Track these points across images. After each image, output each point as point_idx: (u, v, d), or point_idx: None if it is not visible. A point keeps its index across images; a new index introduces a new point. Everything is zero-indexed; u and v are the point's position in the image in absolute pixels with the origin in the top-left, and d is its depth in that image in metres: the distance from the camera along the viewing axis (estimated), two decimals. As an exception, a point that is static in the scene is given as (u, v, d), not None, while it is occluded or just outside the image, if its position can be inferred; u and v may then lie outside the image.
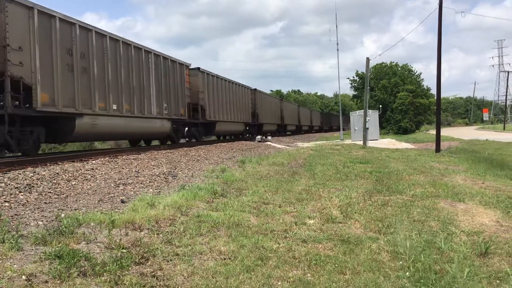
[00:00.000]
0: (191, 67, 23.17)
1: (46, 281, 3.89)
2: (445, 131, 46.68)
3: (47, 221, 5.90)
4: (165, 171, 11.54)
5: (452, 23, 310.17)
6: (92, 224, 5.76)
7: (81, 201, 7.38)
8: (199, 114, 23.55)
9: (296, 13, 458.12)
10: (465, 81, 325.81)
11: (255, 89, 37.02)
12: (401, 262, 4.69)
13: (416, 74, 61.80)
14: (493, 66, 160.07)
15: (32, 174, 9.03)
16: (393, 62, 62.44)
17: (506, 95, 78.30)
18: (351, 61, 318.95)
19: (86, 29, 14.07)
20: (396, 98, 55.94)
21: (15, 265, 4.14)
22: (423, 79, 62.37)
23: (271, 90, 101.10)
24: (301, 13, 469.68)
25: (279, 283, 4.23)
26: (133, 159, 13.34)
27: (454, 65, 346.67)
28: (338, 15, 64.40)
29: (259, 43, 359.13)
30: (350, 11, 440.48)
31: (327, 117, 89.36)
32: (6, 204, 6.67)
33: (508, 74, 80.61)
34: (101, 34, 14.87)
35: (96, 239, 5.14)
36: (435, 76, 22.28)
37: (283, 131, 47.74)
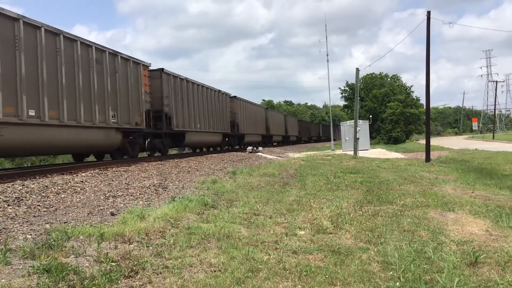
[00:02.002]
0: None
1: (34, 296, 3.85)
2: (435, 141, 47.03)
3: (35, 234, 5.85)
4: (155, 183, 11.49)
5: (439, 34, 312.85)
6: (81, 237, 5.72)
7: (70, 214, 7.32)
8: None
9: (285, 25, 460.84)
10: (454, 91, 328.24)
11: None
12: (391, 273, 4.70)
13: (406, 86, 62.38)
14: (481, 76, 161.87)
15: (21, 187, 8.95)
16: (383, 73, 63.04)
17: (495, 105, 79.01)
18: (341, 72, 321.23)
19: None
20: (387, 108, 56.35)
21: (3, 280, 4.10)
22: (413, 91, 62.86)
23: (263, 100, 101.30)
24: (289, 25, 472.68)
25: (270, 295, 4.22)
26: (123, 171, 13.27)
27: (442, 75, 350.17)
28: (327, 26, 64.11)
29: (248, 54, 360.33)
30: (338, 23, 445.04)
31: (306, 126, 75.02)
32: (-6, 217, 6.60)
33: (496, 84, 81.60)
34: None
35: (85, 253, 5.10)
36: (424, 86, 22.51)
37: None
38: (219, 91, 29.42)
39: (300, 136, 65.41)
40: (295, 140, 62.31)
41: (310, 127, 77.81)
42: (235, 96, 33.60)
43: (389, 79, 62.42)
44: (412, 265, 4.80)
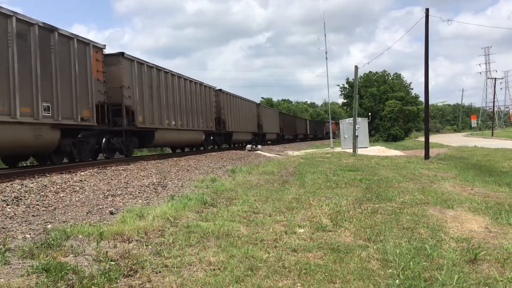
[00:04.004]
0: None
1: (33, 295, 3.84)
2: (434, 138, 47.07)
3: (34, 234, 5.84)
4: (154, 181, 11.48)
5: (436, 32, 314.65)
6: (80, 236, 5.71)
7: (69, 213, 7.31)
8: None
9: (282, 24, 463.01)
10: (452, 89, 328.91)
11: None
12: (390, 270, 4.69)
13: (406, 83, 62.48)
14: (480, 73, 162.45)
15: (20, 187, 8.95)
16: (386, 71, 63.00)
17: (494, 102, 79.14)
18: (338, 70, 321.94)
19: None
20: (385, 106, 56.35)
21: (2, 279, 4.09)
22: (412, 88, 62.92)
23: (262, 98, 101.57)
24: (286, 23, 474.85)
25: (269, 293, 4.21)
26: (122, 170, 13.26)
27: (440, 73, 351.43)
28: (324, 25, 63.40)
29: (246, 53, 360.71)
30: (335, 21, 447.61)
31: (291, 121, 62.13)
32: (-7, 217, 6.59)
33: (495, 81, 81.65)
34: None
35: (84, 252, 5.09)
36: (423, 84, 22.53)
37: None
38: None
39: (282, 133, 52.83)
40: (275, 139, 49.60)
41: (296, 122, 65.38)
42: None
43: (390, 77, 62.41)
44: (411, 262, 4.80)
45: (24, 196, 8.20)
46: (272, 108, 55.42)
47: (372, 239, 5.97)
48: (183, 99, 23.48)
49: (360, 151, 27.89)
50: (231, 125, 32.14)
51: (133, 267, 4.64)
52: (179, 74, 23.27)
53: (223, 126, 30.67)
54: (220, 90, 30.96)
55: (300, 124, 67.99)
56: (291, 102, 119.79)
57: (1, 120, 11.29)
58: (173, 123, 22.00)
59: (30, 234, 5.82)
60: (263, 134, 43.25)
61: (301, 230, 6.51)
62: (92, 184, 10.23)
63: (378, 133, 56.63)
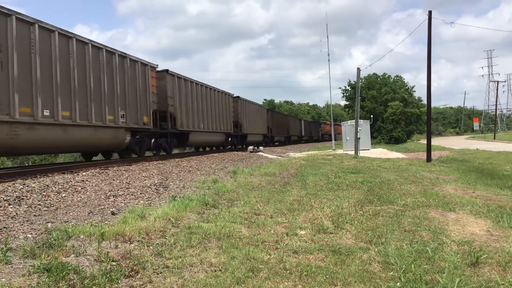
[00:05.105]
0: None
1: (34, 295, 3.85)
2: (436, 141, 47.02)
3: (36, 234, 5.85)
4: (156, 182, 11.49)
5: (437, 35, 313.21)
6: (82, 236, 5.71)
7: (71, 213, 7.32)
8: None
9: (284, 26, 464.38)
10: (454, 91, 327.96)
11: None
12: (392, 273, 4.69)
13: (408, 86, 62.64)
14: (482, 76, 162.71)
15: (22, 186, 8.96)
16: (386, 74, 63.02)
17: (496, 105, 78.87)
18: (340, 72, 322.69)
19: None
20: (387, 108, 56.36)
21: (3, 279, 4.10)
22: (415, 90, 63.07)
23: (264, 100, 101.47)
24: (288, 25, 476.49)
25: (270, 295, 4.21)
26: (124, 170, 13.27)
27: (442, 75, 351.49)
28: (326, 27, 62.61)
29: (248, 54, 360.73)
30: (336, 24, 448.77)
31: (283, 121, 52.70)
32: (-5, 217, 6.60)
33: (497, 84, 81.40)
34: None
35: (86, 252, 5.10)
36: (424, 86, 22.52)
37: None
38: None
39: (270, 134, 44.20)
40: (261, 141, 39.99)
41: (289, 122, 55.85)
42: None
43: (392, 80, 62.47)
44: (412, 265, 4.79)
45: (26, 196, 8.21)
46: (257, 104, 41.68)
47: (374, 242, 5.96)
48: (77, 76, 13.80)
49: (362, 153, 27.85)
50: (186, 122, 22.71)
51: (134, 267, 4.64)
52: (91, 40, 14.84)
53: (173, 124, 21.32)
54: (167, 71, 21.14)
55: (293, 124, 59.19)
56: (294, 104, 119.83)
57: None
58: (47, 114, 12.42)
59: (31, 233, 5.83)
60: (243, 136, 34.25)
61: (303, 232, 6.51)
62: (94, 184, 10.24)
63: (380, 135, 56.62)
